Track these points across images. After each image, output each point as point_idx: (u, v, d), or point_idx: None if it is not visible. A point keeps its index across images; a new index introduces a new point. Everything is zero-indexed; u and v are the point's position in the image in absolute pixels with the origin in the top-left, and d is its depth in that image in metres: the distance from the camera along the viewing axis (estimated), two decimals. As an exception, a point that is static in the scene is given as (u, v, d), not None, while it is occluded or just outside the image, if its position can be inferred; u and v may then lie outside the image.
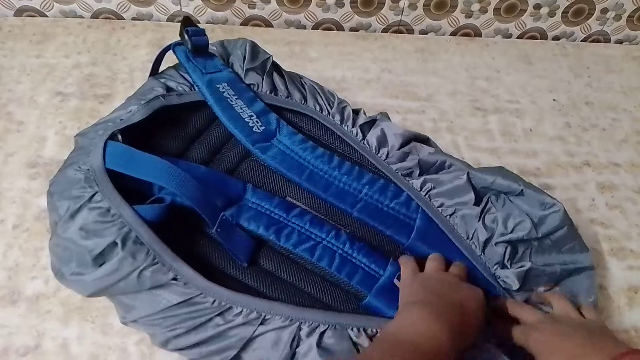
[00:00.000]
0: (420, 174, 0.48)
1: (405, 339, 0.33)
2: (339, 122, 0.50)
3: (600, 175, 0.62)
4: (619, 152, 0.64)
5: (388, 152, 0.48)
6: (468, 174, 0.46)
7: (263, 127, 0.49)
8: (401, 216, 0.47)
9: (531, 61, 0.75)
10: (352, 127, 0.50)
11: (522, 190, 0.44)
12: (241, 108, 0.49)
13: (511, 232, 0.43)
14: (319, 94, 0.52)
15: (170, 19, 0.73)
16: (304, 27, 0.76)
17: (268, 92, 0.51)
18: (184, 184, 0.40)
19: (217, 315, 0.37)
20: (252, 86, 0.51)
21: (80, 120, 0.59)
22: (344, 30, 0.77)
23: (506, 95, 0.69)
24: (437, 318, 0.34)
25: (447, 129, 0.64)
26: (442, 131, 0.64)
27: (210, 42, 0.51)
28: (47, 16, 0.71)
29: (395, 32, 0.78)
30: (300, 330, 0.37)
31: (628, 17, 0.78)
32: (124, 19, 0.73)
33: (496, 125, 0.65)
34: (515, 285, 0.43)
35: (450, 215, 0.46)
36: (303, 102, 0.51)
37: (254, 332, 0.37)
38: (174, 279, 0.37)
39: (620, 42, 0.82)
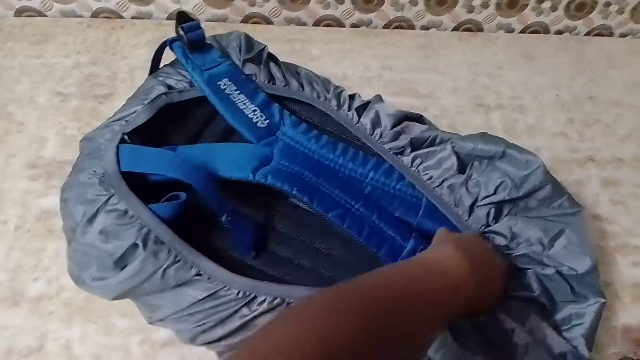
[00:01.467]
0: (412, 152, 0.48)
1: (434, 263, 0.33)
2: (335, 107, 0.51)
3: (603, 171, 0.61)
4: (623, 148, 0.64)
5: (381, 132, 0.49)
6: (451, 143, 0.47)
7: (267, 121, 0.49)
8: (408, 197, 0.47)
9: (533, 57, 0.74)
10: (348, 110, 0.50)
11: (504, 151, 0.45)
12: (244, 103, 0.49)
13: (493, 193, 0.44)
14: (315, 81, 0.52)
15: (170, 17, 0.73)
16: (305, 24, 0.76)
17: (266, 81, 0.52)
18: (193, 175, 0.40)
19: (243, 306, 0.37)
20: (250, 76, 0.51)
21: (81, 120, 0.58)
22: (344, 27, 0.76)
23: (508, 92, 0.69)
24: (464, 255, 0.34)
25: (449, 126, 0.63)
26: (444, 128, 0.62)
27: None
28: (46, 16, 0.71)
29: (396, 28, 0.77)
30: None
31: (632, 10, 0.78)
32: (124, 18, 0.72)
33: (499, 121, 0.65)
34: (505, 236, 0.43)
35: (438, 186, 0.46)
36: (300, 89, 0.52)
37: None
38: (198, 274, 0.38)
39: (624, 35, 0.81)
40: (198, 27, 0.50)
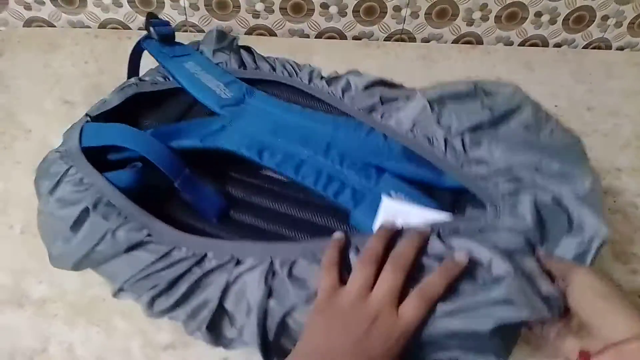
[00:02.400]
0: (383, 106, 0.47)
1: None
2: (307, 82, 0.51)
3: (602, 180, 0.62)
4: (621, 157, 0.64)
5: (353, 96, 0.48)
6: (419, 91, 0.45)
7: (232, 94, 0.50)
8: (380, 144, 0.47)
9: (532, 67, 0.75)
10: (319, 82, 0.50)
11: (475, 86, 0.42)
12: (209, 80, 0.51)
13: (467, 120, 0.41)
14: (288, 63, 0.53)
15: (176, 29, 0.74)
16: (308, 36, 0.77)
17: (237, 67, 0.53)
18: (144, 142, 0.42)
19: (194, 265, 0.37)
20: (220, 64, 0.53)
21: (87, 127, 0.60)
22: (346, 39, 0.78)
23: (508, 102, 0.70)
24: None
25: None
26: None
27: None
28: (55, 26, 0.73)
29: (397, 40, 0.78)
30: (272, 265, 0.37)
31: (629, 23, 0.79)
32: (131, 29, 0.74)
33: (498, 131, 0.66)
34: (487, 162, 0.39)
35: (411, 129, 0.43)
36: (272, 71, 0.52)
37: (230, 276, 0.37)
38: (149, 235, 0.38)
39: (621, 48, 0.82)
40: (167, 23, 0.52)
